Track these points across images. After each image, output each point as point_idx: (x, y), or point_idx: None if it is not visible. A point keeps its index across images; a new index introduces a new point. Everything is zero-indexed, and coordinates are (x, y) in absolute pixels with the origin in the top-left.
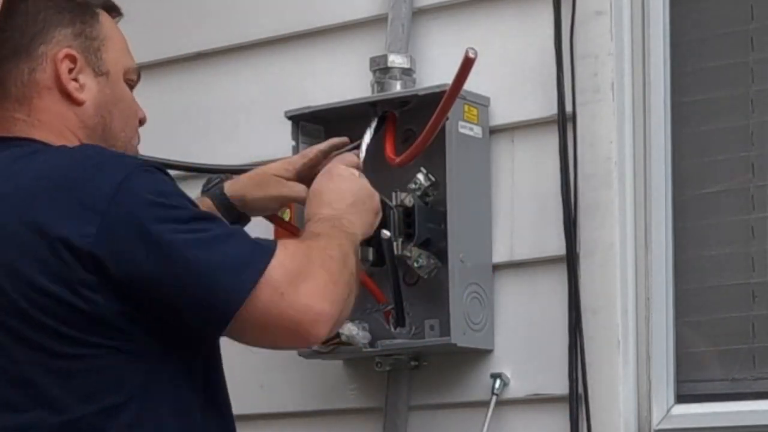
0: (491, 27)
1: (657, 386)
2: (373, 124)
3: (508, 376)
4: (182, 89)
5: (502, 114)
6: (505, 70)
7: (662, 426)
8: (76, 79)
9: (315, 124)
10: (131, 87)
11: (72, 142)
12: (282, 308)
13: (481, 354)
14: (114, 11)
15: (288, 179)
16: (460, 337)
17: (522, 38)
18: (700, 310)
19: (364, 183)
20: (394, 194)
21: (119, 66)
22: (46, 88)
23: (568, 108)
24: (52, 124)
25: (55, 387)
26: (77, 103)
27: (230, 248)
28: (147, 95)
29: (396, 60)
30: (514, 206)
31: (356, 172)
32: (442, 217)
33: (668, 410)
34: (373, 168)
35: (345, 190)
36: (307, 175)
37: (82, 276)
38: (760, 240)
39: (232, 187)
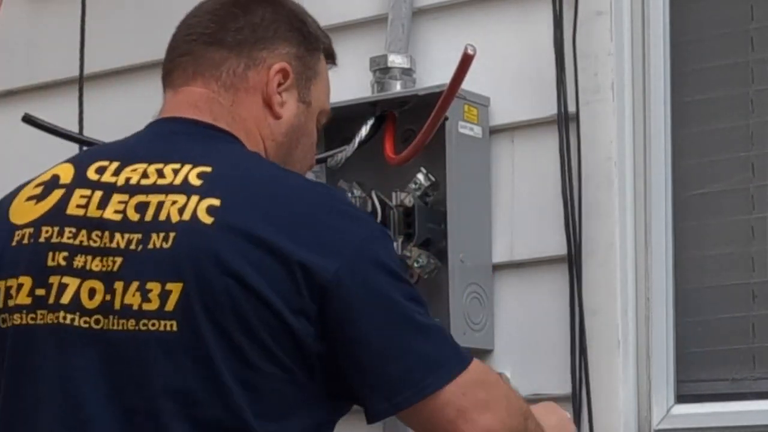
0: (491, 27)
1: (657, 386)
2: (370, 122)
3: (508, 376)
4: None
5: (502, 114)
6: (505, 70)
7: (662, 426)
8: (280, 94)
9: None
10: (318, 130)
11: (259, 148)
12: (453, 419)
13: (481, 354)
14: (331, 59)
15: None
16: (460, 337)
17: (522, 38)
18: (700, 310)
19: None
20: (394, 194)
21: (319, 104)
22: (253, 88)
23: (569, 108)
24: (248, 124)
25: (238, 394)
26: (275, 115)
27: (436, 340)
28: (148, 95)
29: (396, 60)
30: (514, 206)
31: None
32: (442, 217)
33: (668, 410)
34: (373, 168)
35: None
36: None
37: (307, 303)
38: (760, 240)
39: None
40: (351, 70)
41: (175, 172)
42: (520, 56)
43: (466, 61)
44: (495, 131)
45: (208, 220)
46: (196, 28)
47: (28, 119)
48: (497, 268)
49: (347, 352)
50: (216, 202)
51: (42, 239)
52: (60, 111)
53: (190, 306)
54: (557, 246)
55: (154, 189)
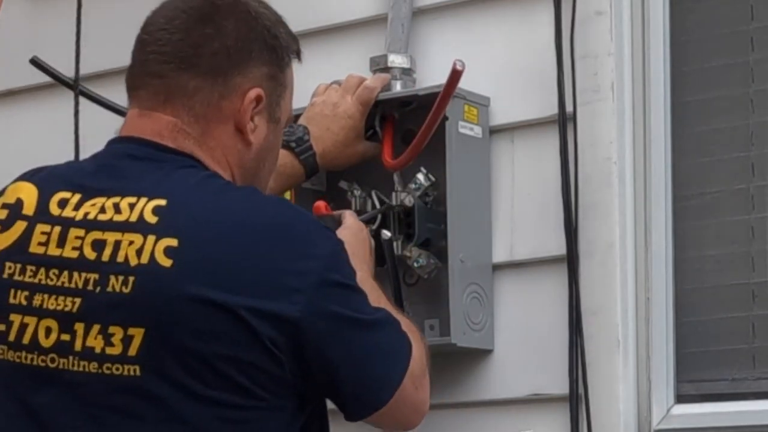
0: (491, 27)
1: (657, 386)
2: (376, 123)
3: (508, 376)
4: None
5: (502, 114)
6: (505, 70)
7: (662, 426)
8: (252, 119)
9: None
10: None
11: (228, 175)
12: (415, 400)
13: (481, 354)
14: (299, 57)
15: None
16: (460, 337)
17: (522, 38)
18: (700, 310)
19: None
20: (394, 194)
21: (287, 114)
22: (225, 117)
23: (568, 108)
24: (216, 153)
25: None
26: (246, 142)
27: (387, 335)
28: None
29: (396, 60)
30: (514, 206)
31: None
32: (442, 217)
33: (668, 410)
34: (373, 168)
35: (365, 250)
36: None
37: (272, 335)
38: (760, 240)
39: (323, 158)
40: (351, 70)
41: (131, 206)
42: (520, 56)
43: (454, 76)
44: (495, 131)
45: (166, 262)
46: (167, 47)
47: (35, 62)
48: (497, 268)
49: (318, 376)
50: (173, 242)
51: (5, 275)
52: (60, 111)
53: (153, 351)
54: (557, 246)
55: (111, 226)
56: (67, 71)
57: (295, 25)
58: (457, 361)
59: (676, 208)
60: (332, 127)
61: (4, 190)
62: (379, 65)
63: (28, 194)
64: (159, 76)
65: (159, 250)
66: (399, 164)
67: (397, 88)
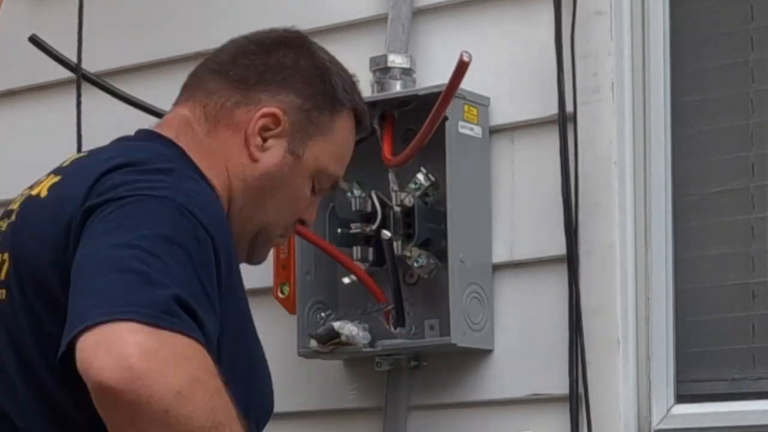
0: (491, 27)
1: (657, 386)
2: (375, 124)
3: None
4: None
5: (502, 114)
6: (505, 70)
7: (662, 426)
8: (265, 140)
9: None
10: (316, 190)
11: (222, 180)
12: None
13: (481, 354)
14: (360, 126)
15: None
16: (460, 337)
17: (522, 38)
18: (700, 310)
19: None
20: (394, 194)
21: (317, 163)
22: (236, 125)
23: (568, 108)
24: (217, 155)
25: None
26: (251, 157)
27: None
28: (146, 95)
29: (396, 60)
30: (514, 206)
31: None
32: (442, 217)
33: (668, 410)
34: (373, 167)
35: None
36: None
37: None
38: (760, 240)
39: None
40: (351, 70)
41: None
42: (520, 56)
43: (461, 67)
44: (495, 131)
45: (44, 194)
46: (215, 57)
47: (33, 39)
48: (497, 268)
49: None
50: (57, 179)
51: None
52: (60, 111)
53: (16, 274)
54: (557, 246)
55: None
56: (67, 71)
57: (296, 25)
58: (457, 361)
59: (676, 208)
60: None
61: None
62: (379, 65)
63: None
64: (193, 77)
65: (46, 185)
66: (400, 161)
67: (397, 88)
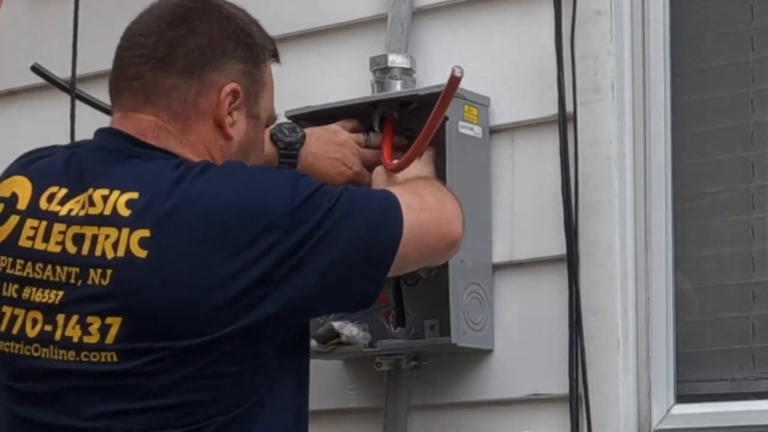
0: (491, 27)
1: (657, 386)
2: (376, 124)
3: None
4: None
5: (502, 114)
6: (505, 70)
7: (662, 426)
8: (230, 114)
9: (315, 124)
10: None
11: None
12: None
13: (481, 354)
14: (276, 58)
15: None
16: (460, 337)
17: (522, 38)
18: (700, 310)
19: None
20: None
21: (266, 113)
22: (203, 113)
23: (568, 108)
24: (199, 148)
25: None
26: (226, 137)
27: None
28: None
29: (396, 60)
30: (514, 206)
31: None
32: None
33: (668, 410)
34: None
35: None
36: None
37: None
38: (760, 240)
39: (305, 160)
40: (351, 70)
41: (104, 199)
42: (520, 56)
43: (453, 83)
44: (495, 131)
45: (142, 254)
46: (144, 50)
47: (35, 69)
48: (497, 268)
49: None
50: (146, 233)
51: None
52: (59, 111)
53: (131, 338)
54: (557, 246)
55: (87, 220)
56: (66, 71)
57: (296, 25)
58: (457, 361)
59: (676, 208)
60: (332, 160)
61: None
62: (379, 65)
63: (22, 188)
64: (138, 78)
65: (134, 242)
66: (398, 167)
67: (397, 88)
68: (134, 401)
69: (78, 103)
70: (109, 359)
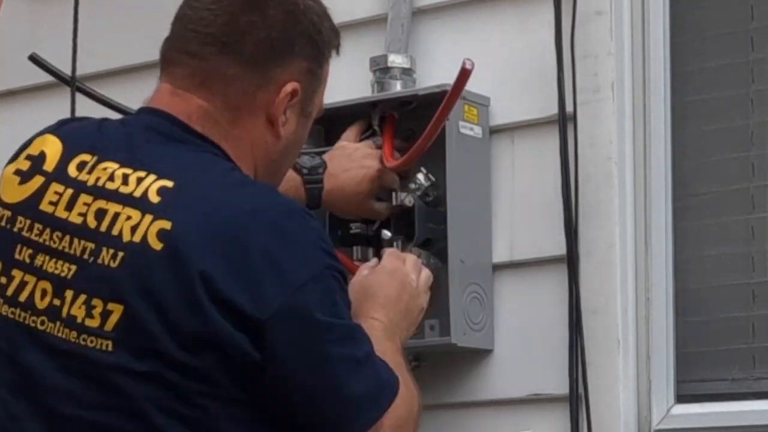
0: (491, 27)
1: (657, 386)
2: (375, 124)
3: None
4: None
5: (502, 114)
6: (505, 70)
7: (662, 426)
8: (285, 113)
9: (315, 124)
10: None
11: (248, 165)
12: None
13: (481, 354)
14: (338, 51)
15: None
16: (460, 337)
17: (522, 38)
18: (700, 310)
19: (415, 287)
20: (393, 194)
21: (318, 108)
22: (257, 108)
23: (568, 108)
24: (243, 143)
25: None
26: (276, 135)
27: (367, 377)
28: (142, 97)
29: (396, 60)
30: (514, 206)
31: (408, 269)
32: (442, 217)
33: (668, 410)
34: None
35: (399, 293)
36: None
37: (242, 336)
38: (760, 240)
39: (329, 196)
40: (351, 70)
41: (139, 181)
42: (520, 56)
43: (463, 75)
44: (495, 131)
45: (157, 246)
46: (211, 28)
47: (33, 59)
48: (497, 268)
49: (282, 392)
50: (167, 225)
51: (16, 228)
52: (59, 111)
53: (129, 329)
54: (557, 246)
55: (115, 197)
56: (66, 70)
57: None
58: (457, 361)
59: (676, 208)
60: (351, 170)
61: (31, 139)
62: (379, 65)
63: (53, 149)
64: (198, 57)
65: (152, 231)
66: (400, 165)
67: (398, 88)
68: (120, 399)
69: (78, 100)
70: (105, 347)
